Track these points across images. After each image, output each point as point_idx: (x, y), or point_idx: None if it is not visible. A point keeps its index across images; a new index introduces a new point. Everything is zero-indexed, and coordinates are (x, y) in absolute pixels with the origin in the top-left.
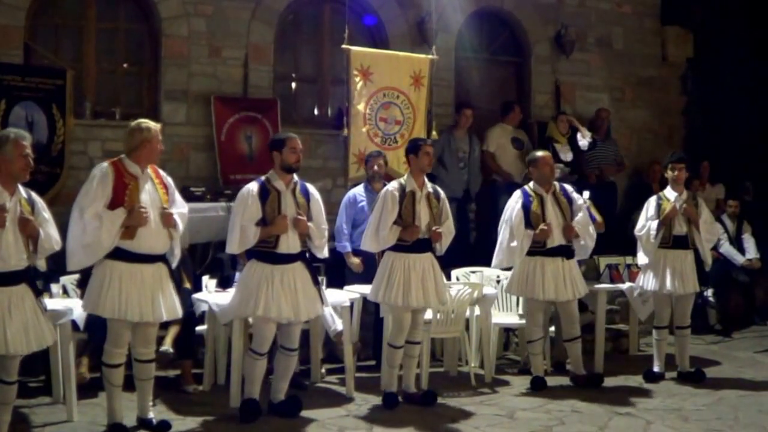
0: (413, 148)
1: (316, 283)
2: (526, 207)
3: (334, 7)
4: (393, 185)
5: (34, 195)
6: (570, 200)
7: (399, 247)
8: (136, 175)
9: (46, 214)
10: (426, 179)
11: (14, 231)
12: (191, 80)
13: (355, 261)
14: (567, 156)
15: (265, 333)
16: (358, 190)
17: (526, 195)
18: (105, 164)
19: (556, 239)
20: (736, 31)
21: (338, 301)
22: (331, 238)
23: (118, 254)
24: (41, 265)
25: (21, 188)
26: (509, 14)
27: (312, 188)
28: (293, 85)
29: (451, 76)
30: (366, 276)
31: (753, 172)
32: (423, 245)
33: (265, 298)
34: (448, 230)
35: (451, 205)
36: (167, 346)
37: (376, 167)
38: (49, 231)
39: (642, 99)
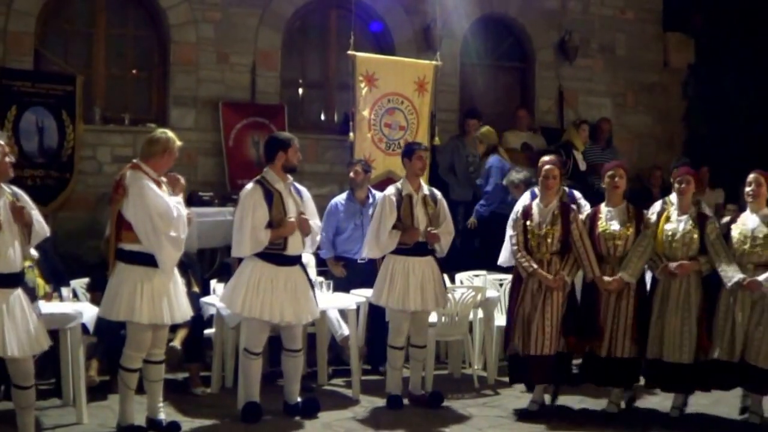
0: (408, 152)
1: (312, 287)
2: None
3: (341, 14)
4: (390, 190)
5: (14, 188)
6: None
7: (399, 250)
8: (160, 182)
9: (31, 202)
10: (422, 182)
11: (11, 230)
12: (199, 86)
13: (338, 267)
14: (582, 165)
15: (259, 333)
16: (340, 199)
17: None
18: (144, 175)
19: None
20: (737, 38)
21: (344, 305)
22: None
23: (144, 259)
24: (34, 253)
25: (2, 184)
26: (514, 21)
27: (302, 187)
28: (300, 90)
29: (455, 81)
30: (348, 281)
31: None
32: (423, 248)
33: (270, 301)
34: (447, 230)
35: (459, 209)
36: (175, 343)
37: (351, 174)
38: (39, 218)
39: (643, 104)
